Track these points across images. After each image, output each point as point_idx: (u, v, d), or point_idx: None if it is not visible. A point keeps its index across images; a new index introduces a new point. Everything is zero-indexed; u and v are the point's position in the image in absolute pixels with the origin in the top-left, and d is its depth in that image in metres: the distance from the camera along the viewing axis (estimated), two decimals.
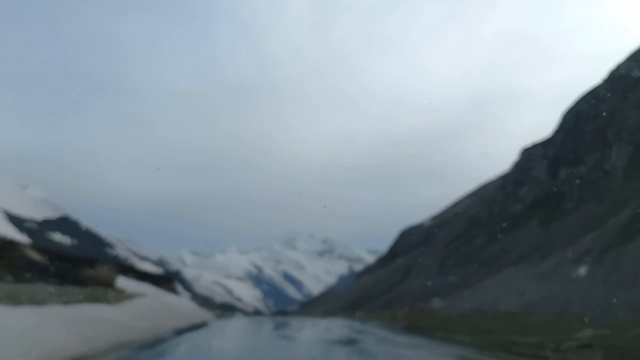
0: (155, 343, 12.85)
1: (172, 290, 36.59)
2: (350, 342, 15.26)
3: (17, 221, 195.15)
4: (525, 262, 44.78)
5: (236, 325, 24.65)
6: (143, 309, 15.26)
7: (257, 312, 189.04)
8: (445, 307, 30.46)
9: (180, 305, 22.47)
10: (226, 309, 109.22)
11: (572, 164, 59.43)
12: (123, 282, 22.47)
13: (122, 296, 16.48)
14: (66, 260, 20.72)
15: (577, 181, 55.66)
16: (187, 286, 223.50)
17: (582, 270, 32.65)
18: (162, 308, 17.23)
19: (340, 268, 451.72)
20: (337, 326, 24.53)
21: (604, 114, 57.89)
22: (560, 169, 61.50)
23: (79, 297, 13.35)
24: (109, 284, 18.44)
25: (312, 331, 20.08)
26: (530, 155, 69.29)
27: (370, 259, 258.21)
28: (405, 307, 29.38)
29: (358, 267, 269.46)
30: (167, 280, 41.55)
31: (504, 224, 61.07)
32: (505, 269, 46.44)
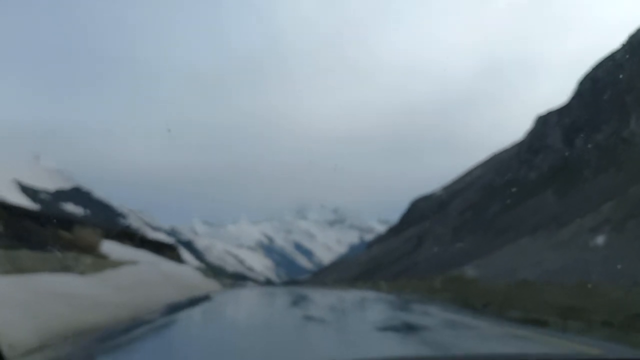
0: (123, 331, 9.00)
1: (176, 258, 35.62)
2: (408, 328, 10.40)
3: (30, 192, 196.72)
4: (542, 231, 43.58)
5: (244, 299, 21.10)
6: (130, 279, 13.42)
7: (268, 282, 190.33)
8: (484, 275, 28.68)
9: (180, 275, 21.33)
10: (238, 279, 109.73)
11: (589, 131, 57.60)
12: (114, 249, 21.15)
13: (104, 264, 14.85)
14: (33, 219, 18.74)
15: (595, 149, 54.01)
16: (199, 256, 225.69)
17: (601, 239, 31.52)
18: (158, 278, 15.81)
19: (351, 238, 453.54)
20: (369, 300, 19.00)
21: (623, 80, 55.77)
22: (577, 137, 59.65)
23: (32, 264, 10.78)
24: (91, 250, 16.85)
25: (342, 308, 15.05)
26: (545, 122, 67.40)
27: (381, 228, 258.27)
28: (438, 277, 27.71)
29: (369, 237, 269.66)
30: (170, 247, 40.54)
31: (519, 193, 59.70)
32: (522, 238, 45.32)
